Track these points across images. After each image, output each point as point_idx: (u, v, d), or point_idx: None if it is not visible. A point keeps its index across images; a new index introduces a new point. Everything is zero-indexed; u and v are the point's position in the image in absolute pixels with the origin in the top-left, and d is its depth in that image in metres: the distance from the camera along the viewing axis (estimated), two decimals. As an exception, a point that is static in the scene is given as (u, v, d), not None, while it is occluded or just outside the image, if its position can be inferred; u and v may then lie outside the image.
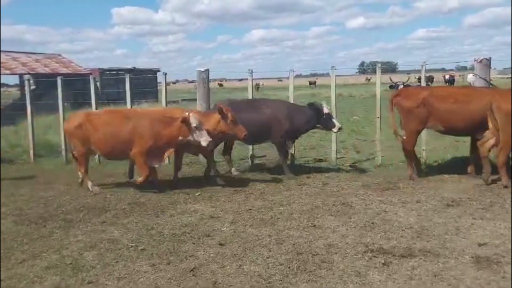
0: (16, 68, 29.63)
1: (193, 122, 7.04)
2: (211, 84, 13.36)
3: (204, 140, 7.03)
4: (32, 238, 5.47)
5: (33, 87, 18.42)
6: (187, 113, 7.17)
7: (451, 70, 58.83)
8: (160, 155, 7.37)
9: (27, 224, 6.01)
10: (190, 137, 7.14)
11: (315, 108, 8.24)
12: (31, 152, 10.80)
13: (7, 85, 60.55)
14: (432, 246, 4.80)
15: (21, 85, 30.94)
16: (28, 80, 11.98)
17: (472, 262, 4.37)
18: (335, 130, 8.25)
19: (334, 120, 8.21)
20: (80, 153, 7.69)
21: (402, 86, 15.48)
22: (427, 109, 7.56)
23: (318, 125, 8.33)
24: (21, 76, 29.77)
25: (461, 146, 10.20)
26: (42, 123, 13.74)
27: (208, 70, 9.83)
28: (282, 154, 8.44)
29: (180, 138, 7.19)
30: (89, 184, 7.69)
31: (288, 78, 10.12)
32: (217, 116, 7.40)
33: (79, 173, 7.86)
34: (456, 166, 8.25)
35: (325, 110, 8.14)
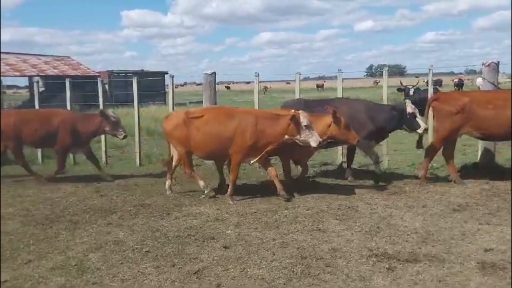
0: (26, 70, 29.94)
1: (304, 121, 6.58)
2: (219, 87, 13.41)
3: (314, 140, 6.58)
4: (38, 239, 5.51)
5: (42, 89, 18.56)
6: (293, 111, 6.72)
7: (460, 73, 58.47)
8: (259, 152, 6.89)
9: (34, 225, 6.06)
10: (298, 137, 6.67)
11: (398, 107, 7.71)
12: (39, 153, 10.87)
13: (17, 87, 61.21)
14: (437, 251, 4.77)
15: (30, 87, 31.25)
16: (37, 82, 12.11)
17: (477, 268, 4.34)
18: (420, 131, 7.53)
19: (419, 120, 7.53)
20: (182, 153, 7.28)
21: (412, 89, 15.40)
22: (466, 115, 7.32)
23: (402, 126, 7.72)
24: (30, 78, 30.06)
25: (468, 150, 10.17)
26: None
27: (214, 73, 9.87)
28: (373, 158, 7.97)
29: (286, 137, 6.75)
30: (201, 184, 7.28)
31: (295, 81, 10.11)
32: (328, 119, 6.91)
33: (168, 181, 7.63)
34: (463, 171, 8.19)
35: (409, 110, 7.52)
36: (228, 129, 6.85)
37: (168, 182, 7.63)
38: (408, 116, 7.51)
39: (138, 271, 4.49)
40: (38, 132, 8.71)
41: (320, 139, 6.62)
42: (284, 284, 4.14)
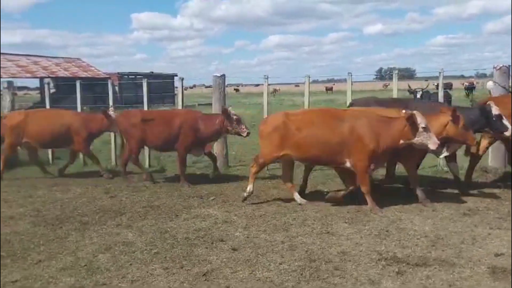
0: (37, 72, 30.21)
1: (421, 122, 6.02)
2: (227, 89, 13.45)
3: (432, 143, 6.03)
4: (49, 239, 5.56)
5: (52, 90, 18.70)
6: (404, 111, 6.20)
7: (471, 77, 57.99)
8: (380, 159, 6.46)
9: (44, 225, 6.11)
10: (415, 140, 6.13)
11: (483, 109, 6.93)
12: (50, 154, 10.97)
13: (28, 88, 61.94)
14: (447, 255, 4.73)
15: (41, 88, 31.53)
16: (48, 83, 12.24)
17: (488, 273, 4.30)
18: (508, 133, 6.75)
19: (506, 122, 6.74)
20: (270, 157, 6.85)
21: (420, 92, 15.37)
22: None
23: (485, 129, 7.03)
24: (41, 79, 30.34)
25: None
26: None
27: (224, 75, 9.92)
28: (452, 164, 7.32)
29: (401, 141, 6.23)
30: (296, 196, 6.87)
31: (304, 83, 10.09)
32: (444, 119, 6.38)
33: (249, 186, 6.99)
34: (474, 174, 8.11)
35: (495, 111, 6.78)
36: (339, 132, 6.35)
37: (249, 187, 7.02)
38: (494, 118, 6.83)
39: (147, 272, 4.51)
40: (161, 134, 8.52)
41: (438, 142, 6.09)
42: (293, 287, 4.13)
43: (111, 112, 9.16)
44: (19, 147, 9.48)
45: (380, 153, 6.31)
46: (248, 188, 6.95)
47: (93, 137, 9.53)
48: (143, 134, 8.59)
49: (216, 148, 9.95)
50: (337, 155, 6.41)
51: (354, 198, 6.65)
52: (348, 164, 6.44)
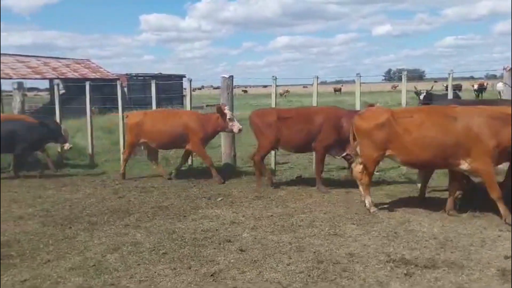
0: (46, 73, 30.42)
1: None
2: (236, 90, 13.45)
3: None
4: (57, 239, 5.59)
5: (62, 91, 18.83)
6: None
7: (480, 78, 57.48)
8: (500, 160, 5.87)
9: (53, 225, 6.15)
10: None
11: None
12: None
13: (38, 89, 62.51)
14: (456, 257, 4.70)
15: (51, 89, 31.75)
16: (58, 84, 12.32)
17: (497, 275, 4.26)
18: None
19: None
20: (373, 159, 6.30)
21: (424, 93, 15.28)
22: None
23: None
24: (51, 80, 30.54)
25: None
26: (71, 127, 14.04)
27: (232, 76, 9.93)
28: None
29: None
30: (367, 200, 6.43)
31: (312, 84, 10.07)
32: None
33: (366, 200, 6.49)
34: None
35: None
36: (452, 132, 5.77)
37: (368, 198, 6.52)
38: None
39: (155, 272, 4.52)
40: (299, 133, 7.91)
41: None
42: (300, 288, 4.13)
43: (226, 110, 8.80)
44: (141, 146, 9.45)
45: (501, 152, 5.70)
46: (366, 203, 6.43)
47: (209, 137, 9.16)
48: (278, 134, 7.99)
49: (224, 149, 9.95)
50: (449, 158, 5.86)
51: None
52: (463, 167, 5.86)
